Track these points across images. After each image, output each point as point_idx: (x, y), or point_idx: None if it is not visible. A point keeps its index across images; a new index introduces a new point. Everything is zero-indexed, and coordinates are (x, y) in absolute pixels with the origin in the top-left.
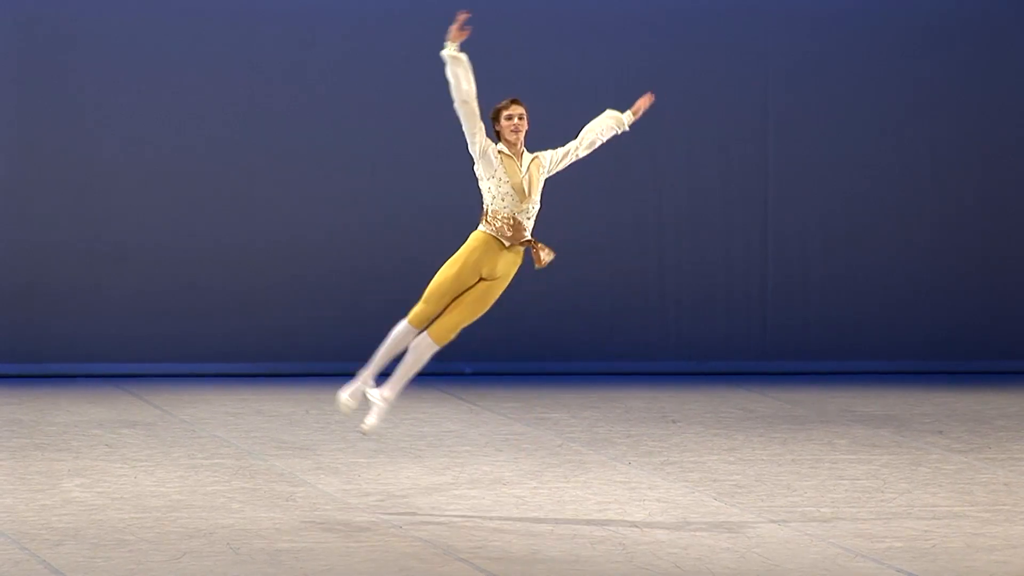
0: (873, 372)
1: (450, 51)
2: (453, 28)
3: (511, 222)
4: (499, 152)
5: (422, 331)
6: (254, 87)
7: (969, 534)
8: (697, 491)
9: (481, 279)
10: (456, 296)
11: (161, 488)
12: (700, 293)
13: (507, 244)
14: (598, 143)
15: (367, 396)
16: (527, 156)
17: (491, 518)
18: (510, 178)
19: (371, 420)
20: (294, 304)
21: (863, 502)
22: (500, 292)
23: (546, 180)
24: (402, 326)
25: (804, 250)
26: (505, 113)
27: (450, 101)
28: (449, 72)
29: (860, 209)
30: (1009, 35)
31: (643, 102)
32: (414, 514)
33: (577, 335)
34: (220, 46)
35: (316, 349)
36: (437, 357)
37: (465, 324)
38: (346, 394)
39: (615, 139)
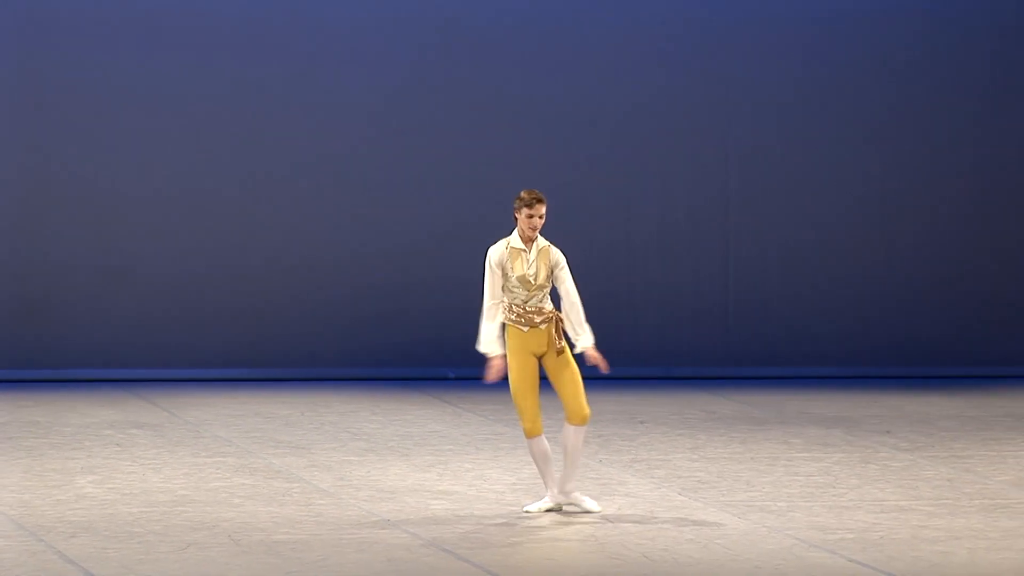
0: (826, 377)
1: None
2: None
3: (523, 310)
4: (510, 248)
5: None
6: (255, 113)
7: (915, 526)
8: (663, 487)
9: (538, 359)
10: (534, 386)
11: (168, 484)
12: (667, 307)
13: (525, 330)
14: (566, 308)
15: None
16: (539, 243)
17: (473, 512)
18: (515, 272)
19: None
20: (290, 315)
21: (816, 497)
22: (562, 356)
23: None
24: (531, 444)
25: (763, 268)
26: (527, 211)
27: (436, 125)
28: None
29: (814, 232)
30: (957, 69)
31: (595, 359)
32: (401, 508)
33: None
34: (224, 73)
35: (311, 356)
36: (425, 363)
37: (576, 393)
38: (540, 508)
39: (593, 172)
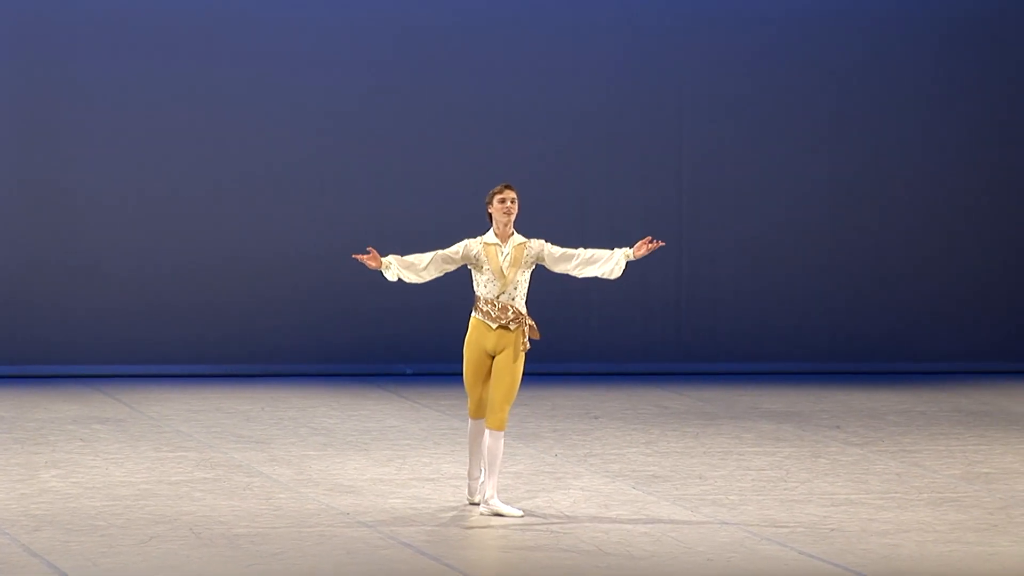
0: (777, 372)
1: (389, 276)
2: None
3: (494, 305)
4: (483, 244)
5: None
6: (215, 114)
7: (864, 519)
8: (617, 480)
9: (492, 357)
10: (485, 381)
11: (130, 478)
12: (621, 304)
13: (493, 326)
14: (590, 275)
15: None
16: (515, 239)
17: (430, 505)
18: (490, 264)
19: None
20: (251, 311)
21: (768, 490)
22: (513, 363)
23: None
24: (470, 424)
25: (714, 265)
26: (498, 197)
27: (394, 127)
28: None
29: (764, 230)
30: (904, 70)
31: (645, 247)
32: (360, 502)
33: None
34: (187, 75)
35: (271, 352)
36: (381, 359)
37: (500, 401)
38: (486, 506)
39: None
